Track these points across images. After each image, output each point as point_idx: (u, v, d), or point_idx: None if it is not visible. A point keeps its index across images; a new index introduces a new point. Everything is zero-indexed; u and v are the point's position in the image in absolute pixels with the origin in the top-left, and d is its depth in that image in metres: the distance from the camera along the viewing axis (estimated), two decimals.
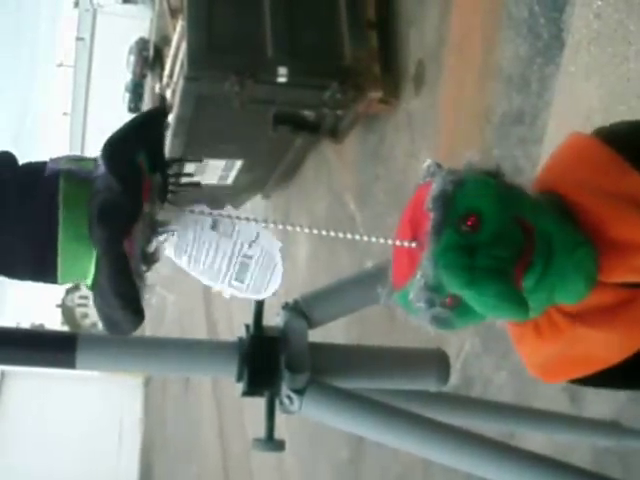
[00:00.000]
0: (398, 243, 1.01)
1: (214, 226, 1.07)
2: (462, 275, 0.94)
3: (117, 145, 0.99)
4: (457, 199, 0.98)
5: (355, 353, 1.58)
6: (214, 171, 6.48)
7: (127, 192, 0.95)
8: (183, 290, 12.56)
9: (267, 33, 4.89)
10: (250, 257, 1.08)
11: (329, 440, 6.15)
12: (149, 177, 1.02)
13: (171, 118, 5.35)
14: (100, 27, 21.00)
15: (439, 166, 1.03)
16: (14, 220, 0.96)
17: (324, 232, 1.04)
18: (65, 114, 23.35)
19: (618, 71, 2.99)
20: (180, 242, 1.07)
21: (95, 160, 1.01)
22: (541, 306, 1.05)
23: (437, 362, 1.54)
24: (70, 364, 1.37)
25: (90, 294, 1.08)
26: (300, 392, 1.36)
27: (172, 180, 1.08)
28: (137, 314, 1.00)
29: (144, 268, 1.02)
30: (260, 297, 1.12)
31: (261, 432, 1.43)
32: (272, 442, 1.42)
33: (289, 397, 1.37)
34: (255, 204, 7.89)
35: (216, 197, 6.50)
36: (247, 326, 1.46)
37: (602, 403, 2.86)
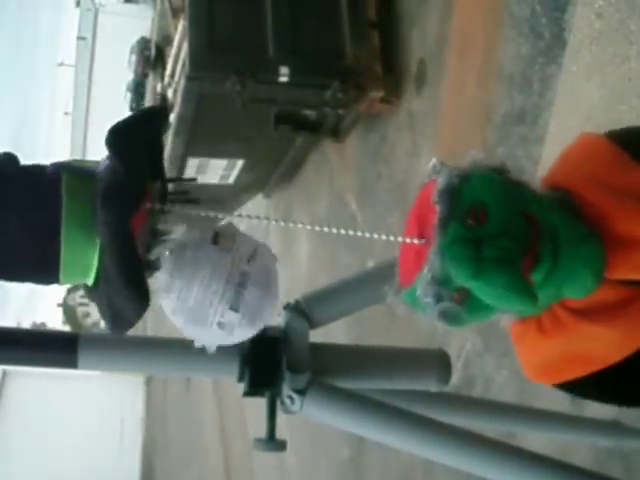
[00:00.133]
0: (401, 239, 1.01)
1: (215, 240, 1.07)
2: (469, 266, 0.94)
3: (121, 130, 1.00)
4: (463, 193, 0.98)
5: (356, 353, 1.58)
6: (215, 171, 6.49)
7: (130, 170, 0.96)
8: None
9: (268, 33, 4.89)
10: (248, 275, 1.07)
11: (330, 440, 6.15)
12: (149, 185, 1.03)
13: (173, 117, 5.36)
14: (101, 26, 21.02)
15: (444, 165, 1.04)
16: (17, 215, 0.96)
17: (326, 229, 1.05)
18: (66, 114, 23.39)
19: (619, 71, 2.99)
20: (177, 260, 1.06)
21: (97, 162, 1.02)
22: (547, 302, 1.06)
23: (438, 363, 1.54)
24: (72, 364, 1.37)
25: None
26: (301, 392, 1.36)
27: (171, 191, 1.09)
28: (142, 297, 0.98)
29: (146, 273, 1.02)
30: (253, 331, 1.10)
31: (262, 432, 1.43)
32: (273, 442, 1.43)
33: (290, 397, 1.37)
34: (256, 203, 7.89)
35: (219, 198, 6.52)
36: None
37: None
